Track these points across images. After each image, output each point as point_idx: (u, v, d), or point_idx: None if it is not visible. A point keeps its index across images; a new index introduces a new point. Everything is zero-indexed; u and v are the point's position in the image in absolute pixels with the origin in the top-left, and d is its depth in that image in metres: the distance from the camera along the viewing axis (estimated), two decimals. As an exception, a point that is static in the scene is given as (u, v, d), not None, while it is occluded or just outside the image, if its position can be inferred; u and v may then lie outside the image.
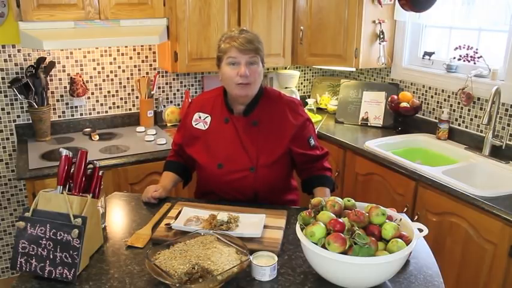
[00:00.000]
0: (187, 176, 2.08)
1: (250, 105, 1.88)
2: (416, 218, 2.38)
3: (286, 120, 1.89)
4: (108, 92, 3.07)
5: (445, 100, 2.91)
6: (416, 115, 3.05)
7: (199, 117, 1.95)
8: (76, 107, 3.00)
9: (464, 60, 2.73)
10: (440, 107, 2.94)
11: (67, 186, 1.50)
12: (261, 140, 1.87)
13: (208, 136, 1.92)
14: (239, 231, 1.58)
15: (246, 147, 1.86)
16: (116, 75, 3.07)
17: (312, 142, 1.94)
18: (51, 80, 2.87)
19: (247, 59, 1.78)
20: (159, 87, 3.21)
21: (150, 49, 3.12)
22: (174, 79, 3.25)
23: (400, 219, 1.44)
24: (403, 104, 2.99)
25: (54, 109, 2.93)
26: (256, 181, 1.85)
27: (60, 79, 2.91)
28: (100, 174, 1.59)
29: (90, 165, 1.57)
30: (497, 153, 2.53)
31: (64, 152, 1.53)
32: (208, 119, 1.93)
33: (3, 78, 2.75)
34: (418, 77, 3.09)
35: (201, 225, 1.62)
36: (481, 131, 2.68)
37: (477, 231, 2.09)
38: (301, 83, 3.76)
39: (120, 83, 3.09)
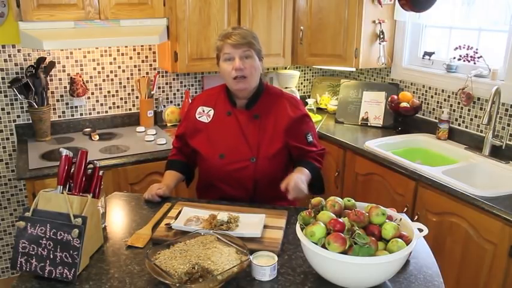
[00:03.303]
0: (189, 174, 2.09)
1: (251, 99, 1.94)
2: (416, 218, 2.38)
3: (285, 113, 1.94)
4: (108, 92, 3.07)
5: (445, 100, 2.91)
6: (416, 115, 3.05)
7: (203, 111, 2.00)
8: (76, 107, 3.00)
9: (464, 60, 2.73)
10: (440, 107, 2.94)
11: (67, 186, 1.50)
12: (262, 133, 1.92)
13: (210, 128, 1.96)
14: (239, 231, 1.58)
15: (247, 138, 1.91)
16: (116, 75, 3.07)
17: (310, 138, 1.98)
18: (51, 80, 2.87)
19: (241, 53, 1.85)
20: (159, 87, 3.21)
21: (150, 49, 3.12)
22: (174, 79, 3.25)
23: (400, 219, 1.44)
24: (403, 104, 2.99)
25: (54, 109, 2.93)
26: (256, 172, 1.89)
27: (60, 79, 2.91)
28: (100, 174, 1.59)
29: (90, 165, 1.57)
30: (497, 153, 2.53)
31: (64, 152, 1.52)
32: (212, 112, 1.98)
33: (3, 78, 2.75)
34: (418, 77, 3.09)
35: (201, 225, 1.62)
36: (481, 131, 2.68)
37: (477, 231, 2.09)
38: (301, 83, 3.76)
39: (120, 83, 3.09)
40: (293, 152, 1.98)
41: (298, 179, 1.78)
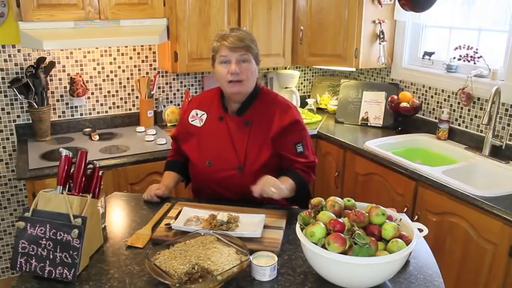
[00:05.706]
0: (188, 175, 2.08)
1: (244, 104, 1.89)
2: (416, 218, 2.37)
3: (274, 120, 1.87)
4: (108, 92, 3.07)
5: (445, 100, 2.91)
6: (416, 115, 3.05)
7: (196, 114, 1.97)
8: (76, 107, 3.00)
9: (464, 60, 2.73)
10: (440, 107, 2.94)
11: (67, 186, 1.50)
12: (251, 141, 1.87)
13: (202, 133, 1.93)
14: (239, 231, 1.58)
15: (236, 147, 1.86)
16: (116, 75, 3.07)
17: (300, 149, 1.89)
18: (51, 80, 2.87)
19: (238, 57, 1.80)
20: (159, 87, 3.21)
21: (150, 49, 3.12)
22: (174, 79, 3.25)
23: (400, 219, 1.44)
24: (403, 104, 2.99)
25: (54, 109, 2.93)
26: (244, 181, 1.82)
27: (60, 79, 2.91)
28: (100, 174, 1.59)
29: (90, 165, 1.57)
30: (497, 153, 2.53)
31: (64, 152, 1.52)
32: (204, 117, 1.95)
33: (3, 78, 2.75)
34: (418, 77, 3.09)
35: (201, 225, 1.62)
36: (481, 131, 2.68)
37: (477, 231, 2.09)
38: (301, 83, 3.76)
39: (120, 83, 3.09)
40: (282, 162, 1.90)
41: (271, 179, 1.70)
